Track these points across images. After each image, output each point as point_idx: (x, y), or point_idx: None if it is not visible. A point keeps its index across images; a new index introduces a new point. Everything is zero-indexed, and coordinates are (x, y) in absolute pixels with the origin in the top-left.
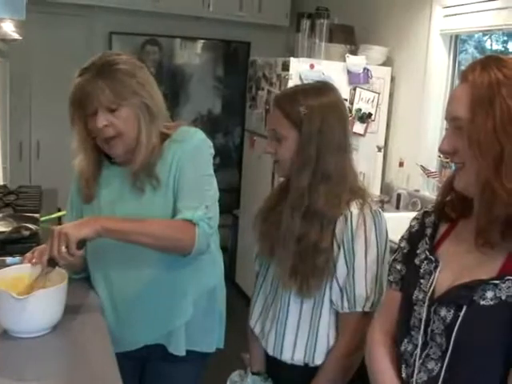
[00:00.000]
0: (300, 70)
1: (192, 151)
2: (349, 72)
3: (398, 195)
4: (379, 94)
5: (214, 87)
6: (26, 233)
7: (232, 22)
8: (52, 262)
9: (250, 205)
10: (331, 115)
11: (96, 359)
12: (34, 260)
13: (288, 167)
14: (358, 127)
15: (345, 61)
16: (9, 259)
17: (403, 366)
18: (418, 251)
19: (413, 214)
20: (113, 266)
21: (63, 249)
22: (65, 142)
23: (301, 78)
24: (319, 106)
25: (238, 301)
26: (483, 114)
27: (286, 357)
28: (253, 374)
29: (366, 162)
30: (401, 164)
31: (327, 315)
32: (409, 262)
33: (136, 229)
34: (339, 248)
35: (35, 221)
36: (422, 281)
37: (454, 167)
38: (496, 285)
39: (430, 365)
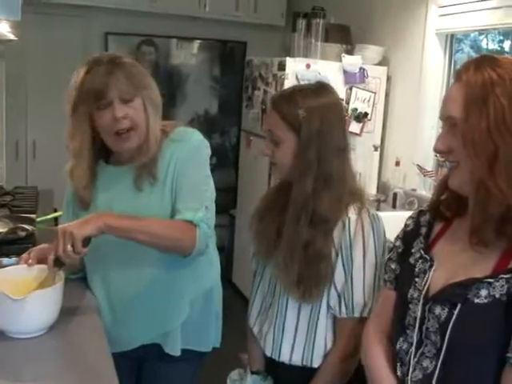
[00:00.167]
0: (296, 70)
1: (191, 152)
2: (345, 72)
3: (395, 194)
4: (375, 93)
5: (210, 87)
6: (22, 234)
7: (228, 22)
8: (58, 262)
9: (246, 204)
10: (330, 117)
11: (92, 359)
12: (30, 261)
13: (286, 170)
14: (354, 127)
15: (341, 60)
16: (5, 260)
17: (398, 364)
18: (413, 250)
19: (409, 214)
20: (112, 266)
21: (69, 247)
22: (61, 142)
23: (297, 78)
24: (318, 108)
25: (234, 301)
26: (477, 114)
27: (284, 358)
28: (252, 373)
29: (362, 161)
30: (397, 163)
31: (324, 319)
32: (403, 261)
33: (138, 226)
34: (337, 254)
35: (31, 221)
36: (416, 279)
37: (448, 166)
38: (490, 283)
39: (425, 363)
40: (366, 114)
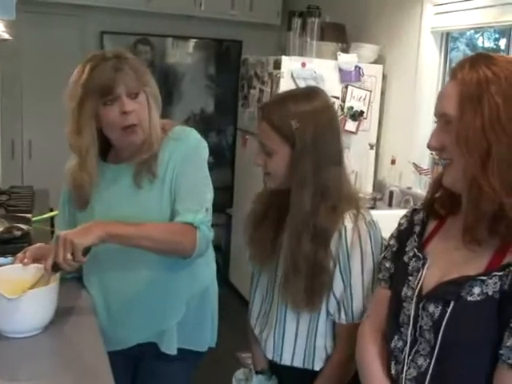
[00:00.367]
0: (292, 69)
1: (190, 152)
2: (340, 70)
3: (391, 193)
4: (371, 91)
5: (206, 86)
6: (18, 233)
7: (224, 21)
8: (56, 268)
9: (243, 203)
10: (324, 124)
11: (88, 358)
12: (25, 260)
13: (280, 180)
14: (350, 125)
15: (336, 59)
16: (0, 259)
17: (393, 362)
18: (407, 249)
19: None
20: (109, 267)
21: (69, 256)
22: (57, 142)
23: (292, 77)
24: (310, 116)
25: (231, 300)
26: (471, 112)
27: (286, 362)
28: (257, 372)
29: (358, 159)
30: (393, 161)
31: (324, 324)
32: (398, 259)
33: (138, 233)
34: (335, 264)
35: (27, 221)
36: (410, 278)
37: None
38: (483, 281)
39: (420, 361)
40: (361, 113)
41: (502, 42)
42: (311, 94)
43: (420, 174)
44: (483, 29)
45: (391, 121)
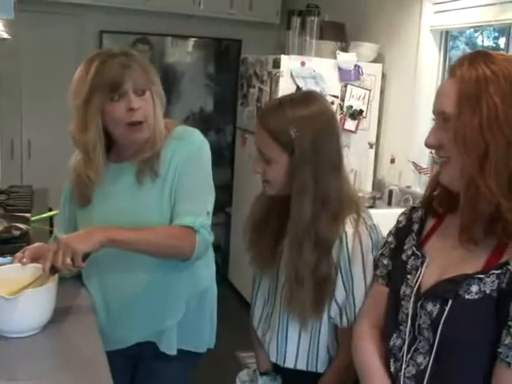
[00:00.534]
0: (291, 68)
1: (193, 153)
2: (340, 69)
3: (390, 192)
4: (370, 90)
5: (205, 85)
6: (17, 233)
7: (223, 20)
8: (54, 270)
9: (242, 202)
10: (323, 129)
11: (87, 358)
12: (24, 260)
13: (279, 186)
14: (350, 124)
15: (335, 58)
16: None
17: (391, 360)
18: (405, 247)
19: None
20: (108, 267)
21: (68, 261)
22: (56, 141)
23: (292, 76)
24: (309, 122)
25: (231, 299)
26: (470, 111)
27: (289, 365)
28: (261, 373)
29: (357, 158)
30: (392, 160)
31: (326, 326)
32: (396, 257)
33: (138, 238)
34: (336, 272)
35: (26, 220)
36: (408, 276)
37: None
38: (481, 279)
39: (419, 359)
40: (361, 112)
41: (502, 41)
42: (308, 98)
43: (419, 172)
44: (483, 27)
45: (391, 120)
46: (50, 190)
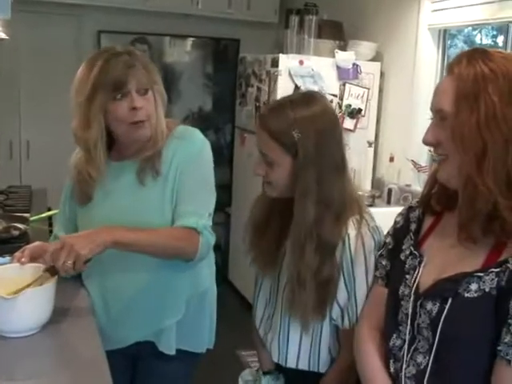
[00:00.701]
0: (289, 66)
1: (195, 153)
2: (338, 68)
3: (389, 190)
4: (369, 89)
5: (203, 85)
6: (16, 232)
7: (221, 20)
8: (53, 270)
9: (241, 202)
10: (325, 130)
11: (86, 357)
12: (23, 259)
13: (282, 188)
14: (348, 123)
15: (334, 57)
16: None
17: (391, 360)
18: (403, 247)
19: None
20: (108, 267)
21: (69, 263)
22: (55, 141)
23: (290, 74)
24: (311, 123)
25: (231, 299)
26: (468, 109)
27: (291, 365)
28: (264, 373)
29: (356, 157)
30: (391, 159)
31: (328, 328)
32: (394, 257)
33: (142, 240)
34: (339, 273)
35: (25, 220)
36: (407, 276)
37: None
38: (480, 277)
39: (419, 358)
40: (359, 110)
41: (500, 39)
42: (309, 98)
43: (418, 171)
44: (481, 26)
45: (389, 118)
46: (49, 190)
